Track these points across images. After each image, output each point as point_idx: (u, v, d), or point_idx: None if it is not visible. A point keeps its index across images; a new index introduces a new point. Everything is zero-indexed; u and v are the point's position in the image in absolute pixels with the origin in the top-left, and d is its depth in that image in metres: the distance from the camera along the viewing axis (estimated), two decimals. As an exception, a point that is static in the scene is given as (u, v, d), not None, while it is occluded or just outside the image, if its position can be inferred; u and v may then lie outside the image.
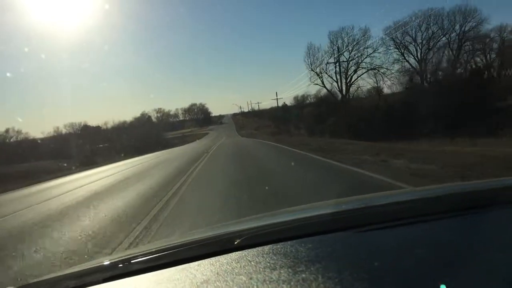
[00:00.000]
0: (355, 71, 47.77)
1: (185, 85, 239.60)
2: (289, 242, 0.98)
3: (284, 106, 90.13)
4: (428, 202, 1.24)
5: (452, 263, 0.80)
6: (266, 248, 0.96)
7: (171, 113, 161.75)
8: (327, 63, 45.64)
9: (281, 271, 0.81)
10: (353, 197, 1.63)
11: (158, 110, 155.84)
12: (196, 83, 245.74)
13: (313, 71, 49.63)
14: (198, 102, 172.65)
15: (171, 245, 1.08)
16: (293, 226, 1.14)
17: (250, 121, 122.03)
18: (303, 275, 0.77)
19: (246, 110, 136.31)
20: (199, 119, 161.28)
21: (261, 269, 0.84)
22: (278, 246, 0.96)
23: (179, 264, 0.95)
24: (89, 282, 0.95)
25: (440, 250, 0.87)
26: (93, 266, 1.07)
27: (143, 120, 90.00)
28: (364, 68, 47.86)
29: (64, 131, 79.14)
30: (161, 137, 70.25)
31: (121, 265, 1.01)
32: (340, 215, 1.17)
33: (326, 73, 49.03)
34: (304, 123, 58.07)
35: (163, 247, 1.07)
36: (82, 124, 79.51)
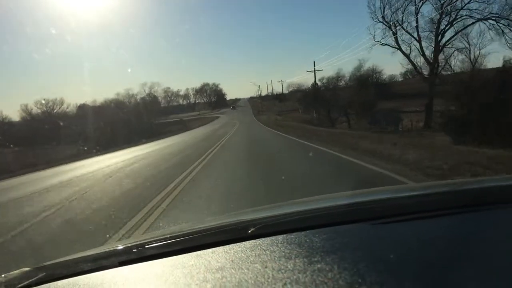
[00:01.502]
0: (448, 25, 29.01)
1: (199, 65, 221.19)
2: (303, 232, 0.97)
3: (315, 86, 72.45)
4: (446, 196, 1.23)
5: (470, 257, 0.80)
6: (280, 237, 0.96)
7: (181, 93, 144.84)
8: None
9: (296, 261, 0.81)
10: (369, 189, 1.62)
11: (166, 90, 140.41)
12: (210, 64, 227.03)
13: (384, 22, 30.97)
14: (211, 82, 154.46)
15: (186, 232, 1.10)
16: (308, 216, 1.13)
17: (270, 104, 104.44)
18: (319, 265, 0.77)
19: (265, 92, 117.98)
20: (211, 101, 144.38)
21: (276, 258, 0.84)
22: (293, 236, 0.96)
23: (193, 251, 0.96)
24: (104, 265, 0.97)
25: (457, 245, 0.87)
26: (108, 249, 1.09)
27: (132, 99, 72.25)
28: (470, 17, 28.77)
29: (35, 109, 62.72)
30: (153, 121, 52.88)
31: (135, 250, 1.03)
32: (355, 207, 1.17)
33: (402, 27, 30.42)
34: (341, 108, 40.59)
35: (178, 233, 1.09)
36: (59, 101, 62.76)
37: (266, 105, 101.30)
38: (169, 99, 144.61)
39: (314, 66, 44.40)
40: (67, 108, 62.95)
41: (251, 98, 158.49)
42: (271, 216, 1.18)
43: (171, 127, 57.86)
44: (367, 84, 53.36)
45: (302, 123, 38.92)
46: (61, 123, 42.61)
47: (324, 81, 73.17)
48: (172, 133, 45.15)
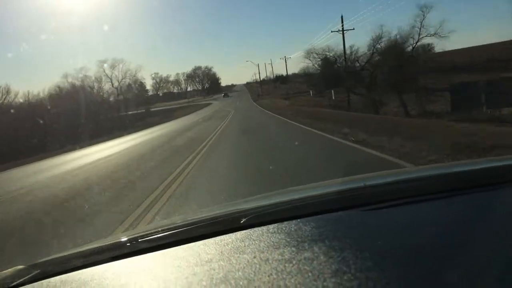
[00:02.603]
0: None
1: (190, 50, 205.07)
2: (293, 221, 0.98)
3: (328, 58, 59.25)
4: (435, 180, 1.21)
5: (459, 242, 0.80)
6: (271, 227, 0.97)
7: (170, 79, 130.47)
8: None
9: (284, 250, 0.82)
10: (359, 176, 1.59)
11: (154, 76, 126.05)
12: (203, 48, 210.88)
13: None
14: (203, 65, 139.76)
15: (177, 224, 1.11)
16: (298, 204, 1.14)
17: (270, 88, 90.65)
18: (306, 254, 0.78)
19: (263, 75, 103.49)
20: (204, 87, 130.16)
21: (264, 248, 0.84)
22: (283, 225, 0.97)
23: (185, 243, 0.97)
24: (97, 260, 0.97)
25: (447, 230, 0.87)
26: (101, 245, 1.09)
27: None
28: None
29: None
30: (118, 114, 39.42)
31: (128, 244, 1.03)
32: (345, 194, 1.17)
33: None
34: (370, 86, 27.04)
35: (170, 226, 1.09)
36: (4, 90, 48.72)
37: (266, 88, 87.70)
38: (158, 86, 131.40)
39: (342, 24, 30.12)
40: (15, 97, 48.87)
41: (248, 83, 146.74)
42: (262, 205, 1.17)
43: (151, 118, 44.75)
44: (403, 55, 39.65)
45: (333, 109, 25.62)
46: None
47: (330, 56, 59.33)
48: (137, 128, 31.75)
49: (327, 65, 61.33)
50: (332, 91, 41.97)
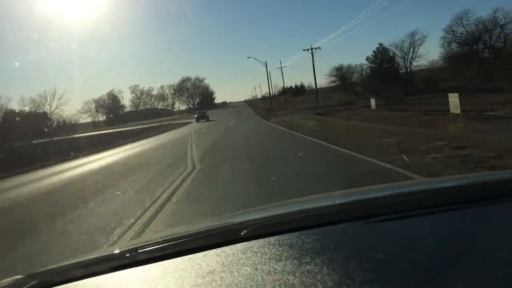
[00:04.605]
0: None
1: (179, 64, 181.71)
2: (295, 233, 0.98)
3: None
4: (437, 194, 1.23)
5: (460, 255, 0.80)
6: (272, 239, 0.96)
7: (154, 92, 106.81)
8: None
9: (287, 263, 0.81)
10: (361, 188, 1.61)
11: (134, 88, 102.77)
12: (193, 60, 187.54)
13: None
14: (193, 76, 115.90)
15: (178, 235, 1.11)
16: (299, 216, 1.14)
17: (279, 101, 66.95)
18: (308, 267, 0.78)
19: (265, 90, 79.30)
20: (194, 102, 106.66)
21: (266, 260, 0.84)
22: (284, 237, 0.96)
23: (185, 254, 0.97)
24: (96, 271, 0.96)
25: (449, 243, 0.87)
26: (100, 255, 1.08)
27: None
28: None
29: None
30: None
31: (128, 254, 1.03)
32: (347, 206, 1.17)
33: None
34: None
35: (170, 237, 1.09)
36: None
37: (277, 102, 63.81)
38: (138, 100, 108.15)
39: None
40: None
41: (246, 100, 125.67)
42: (263, 217, 1.16)
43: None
44: None
45: None
46: None
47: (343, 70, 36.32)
48: None
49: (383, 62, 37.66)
50: (457, 94, 18.07)
